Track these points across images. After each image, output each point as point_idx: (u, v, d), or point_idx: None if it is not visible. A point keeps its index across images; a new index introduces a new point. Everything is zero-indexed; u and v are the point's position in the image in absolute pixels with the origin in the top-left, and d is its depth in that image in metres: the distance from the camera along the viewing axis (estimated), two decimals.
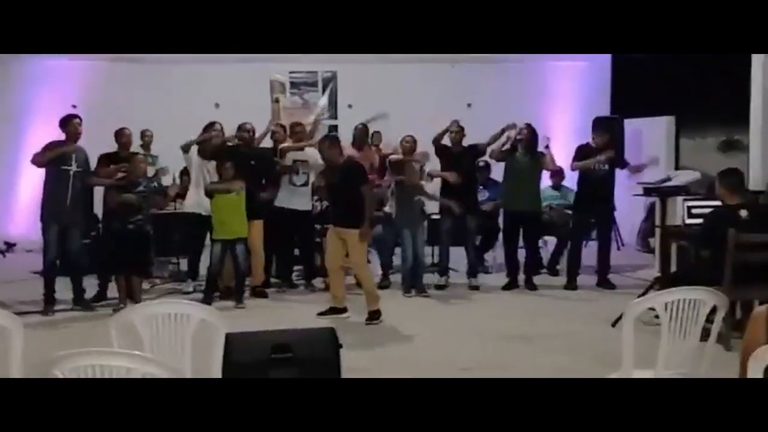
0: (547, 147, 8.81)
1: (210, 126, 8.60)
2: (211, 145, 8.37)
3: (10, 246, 11.74)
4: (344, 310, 7.34)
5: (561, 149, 9.38)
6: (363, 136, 9.32)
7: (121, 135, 8.49)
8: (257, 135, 8.83)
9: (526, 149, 8.73)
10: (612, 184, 8.99)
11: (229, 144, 8.55)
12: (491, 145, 8.78)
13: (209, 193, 8.01)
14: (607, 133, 9.03)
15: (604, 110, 12.38)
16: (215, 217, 7.96)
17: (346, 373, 3.79)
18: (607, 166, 8.80)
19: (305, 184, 8.80)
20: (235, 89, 11.87)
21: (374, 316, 7.14)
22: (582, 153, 8.91)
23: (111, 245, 7.89)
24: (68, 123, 7.72)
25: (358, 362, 5.00)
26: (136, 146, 9.11)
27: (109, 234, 7.99)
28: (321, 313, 7.28)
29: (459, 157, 8.75)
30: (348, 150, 9.05)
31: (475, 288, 8.79)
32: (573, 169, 9.04)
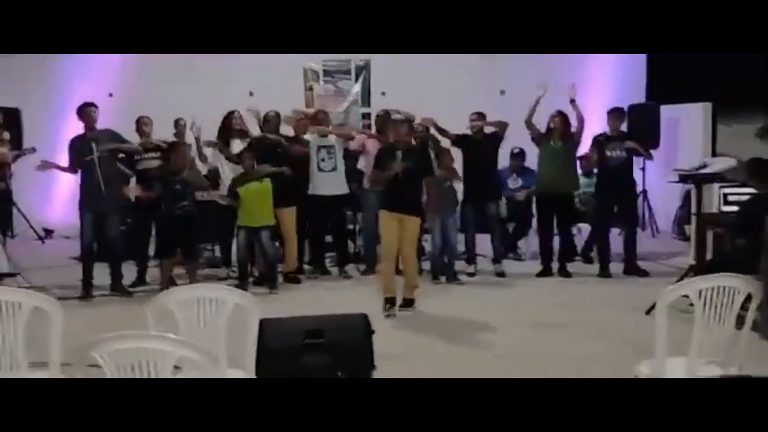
0: (573, 101, 8.73)
1: (229, 116, 8.72)
2: (231, 134, 8.52)
3: (48, 232, 11.95)
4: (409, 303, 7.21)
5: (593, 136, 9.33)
6: (386, 123, 9.30)
7: (140, 123, 8.62)
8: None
9: (558, 135, 8.70)
10: (630, 171, 8.96)
11: (254, 136, 8.66)
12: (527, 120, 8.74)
13: (233, 187, 8.10)
14: (619, 120, 8.95)
15: (640, 97, 12.24)
16: (240, 204, 8.04)
17: (378, 359, 3.83)
18: (624, 154, 8.72)
19: (334, 169, 8.83)
20: (269, 77, 11.90)
21: (410, 303, 7.15)
22: (597, 142, 8.89)
23: (161, 231, 8.04)
24: (84, 111, 7.83)
25: (389, 348, 5.02)
26: (169, 135, 9.20)
27: (157, 221, 8.10)
28: (388, 312, 6.99)
29: (479, 145, 8.72)
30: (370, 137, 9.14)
31: (501, 275, 8.77)
32: (582, 165, 9.05)
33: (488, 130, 8.81)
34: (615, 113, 8.97)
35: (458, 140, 8.81)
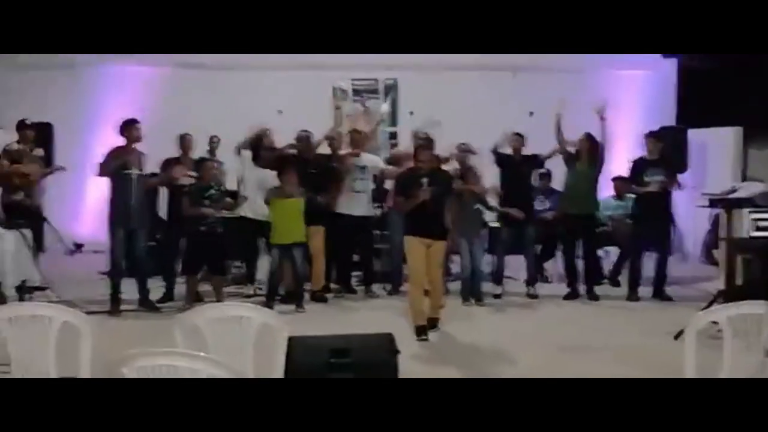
0: (602, 118, 8.69)
1: (262, 132, 8.81)
2: (268, 154, 8.54)
3: (78, 247, 12.06)
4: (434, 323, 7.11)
5: (624, 160, 9.28)
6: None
7: (183, 140, 8.67)
8: (314, 143, 8.94)
9: (586, 157, 8.68)
10: (668, 200, 8.90)
11: (285, 153, 8.69)
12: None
13: (267, 200, 8.14)
14: (660, 142, 8.89)
15: (669, 121, 12.19)
16: (273, 222, 8.07)
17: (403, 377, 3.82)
18: (663, 178, 8.67)
19: (365, 189, 8.86)
20: (298, 96, 12.01)
21: (434, 323, 7.10)
22: (636, 168, 8.84)
23: (188, 247, 8.11)
24: (129, 128, 7.89)
25: (415, 368, 5.02)
26: (203, 152, 9.31)
27: (184, 237, 8.17)
28: (422, 337, 6.85)
29: (518, 166, 8.74)
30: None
31: (534, 297, 8.75)
32: (629, 191, 9.03)
33: (527, 151, 8.83)
34: (652, 137, 8.92)
35: (498, 158, 8.80)
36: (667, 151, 9.03)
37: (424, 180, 6.92)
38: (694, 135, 11.52)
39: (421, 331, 6.80)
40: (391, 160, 9.26)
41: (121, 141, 7.91)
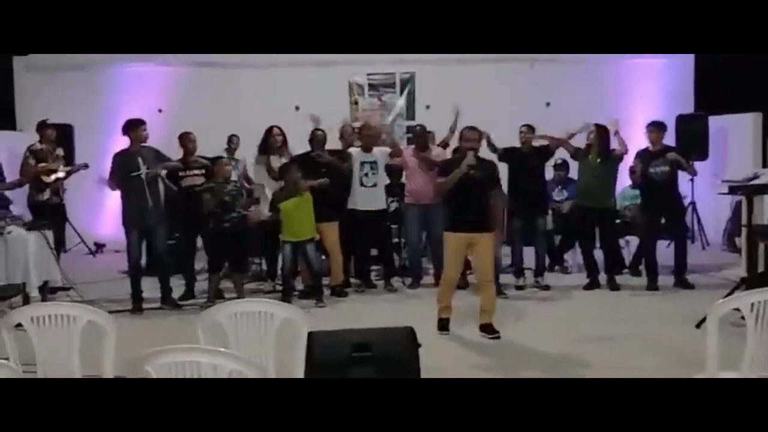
0: (616, 133, 8.66)
1: (269, 131, 8.83)
2: (271, 150, 8.63)
3: (99, 247, 12.18)
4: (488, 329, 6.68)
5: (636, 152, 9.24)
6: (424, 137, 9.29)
7: (185, 140, 8.63)
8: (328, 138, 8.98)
9: (597, 150, 8.66)
10: (675, 185, 8.81)
11: (299, 153, 8.74)
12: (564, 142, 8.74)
13: (274, 203, 8.17)
14: (660, 134, 8.82)
15: (688, 108, 12.12)
16: (283, 219, 8.11)
17: (425, 372, 3.83)
18: (667, 168, 8.61)
19: (375, 184, 8.88)
20: (315, 92, 12.03)
21: (491, 329, 6.65)
22: (640, 157, 8.81)
23: (211, 245, 8.13)
24: (134, 128, 7.87)
25: (436, 362, 5.02)
26: (220, 150, 9.36)
27: (206, 234, 8.22)
28: (444, 332, 6.72)
29: (527, 158, 8.70)
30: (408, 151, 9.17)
31: (545, 288, 8.73)
32: (631, 177, 9.04)
33: (537, 143, 8.80)
34: (654, 127, 8.86)
35: (504, 154, 8.77)
36: (684, 138, 8.96)
37: (470, 153, 6.62)
38: (713, 122, 11.43)
39: (443, 324, 6.75)
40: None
41: (125, 142, 7.94)
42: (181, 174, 8.48)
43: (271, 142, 8.95)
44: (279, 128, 9.03)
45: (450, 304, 6.81)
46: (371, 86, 12.97)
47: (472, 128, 6.89)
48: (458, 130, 8.91)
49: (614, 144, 8.70)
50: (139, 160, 7.81)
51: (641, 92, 12.57)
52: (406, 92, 13.04)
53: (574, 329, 6.88)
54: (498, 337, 6.55)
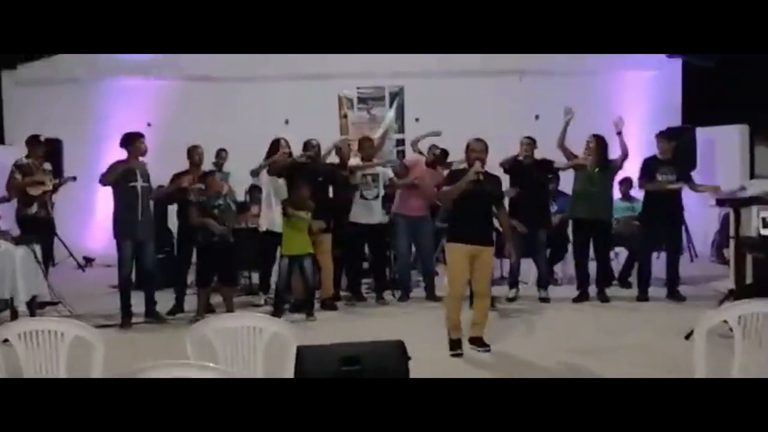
0: (619, 133, 8.62)
1: (276, 143, 8.79)
2: (278, 163, 8.53)
3: (89, 261, 12.13)
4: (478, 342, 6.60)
5: (632, 160, 9.26)
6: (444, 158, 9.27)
7: (193, 153, 8.67)
8: (323, 151, 8.95)
9: (596, 160, 8.67)
10: (679, 196, 8.82)
11: (297, 161, 8.69)
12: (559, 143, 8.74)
13: (286, 213, 8.12)
14: (671, 141, 8.86)
15: (676, 120, 12.18)
16: (285, 233, 8.09)
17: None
18: (674, 178, 8.63)
19: (376, 197, 8.88)
20: (305, 106, 12.06)
21: (482, 342, 6.60)
22: (648, 167, 8.80)
23: (199, 259, 8.12)
24: (132, 141, 7.87)
25: (426, 375, 5.01)
26: (209, 164, 9.34)
27: (195, 248, 8.20)
28: (457, 352, 6.47)
29: (529, 171, 8.71)
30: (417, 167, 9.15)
31: (546, 300, 8.74)
32: (641, 188, 8.97)
33: (539, 156, 8.81)
34: (663, 136, 8.89)
35: (509, 166, 8.76)
36: (677, 151, 8.99)
37: (477, 163, 6.49)
38: (700, 134, 11.50)
39: (456, 345, 6.47)
40: (400, 169, 9.22)
41: (123, 155, 7.93)
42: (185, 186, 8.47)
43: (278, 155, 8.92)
44: (285, 140, 8.99)
45: (459, 322, 6.52)
46: (361, 99, 13.00)
47: (479, 140, 6.76)
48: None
49: (616, 145, 8.69)
50: (137, 172, 7.82)
51: (630, 105, 12.62)
52: (395, 105, 13.08)
53: (564, 341, 6.88)
54: (488, 350, 6.52)
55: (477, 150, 6.64)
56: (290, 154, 8.79)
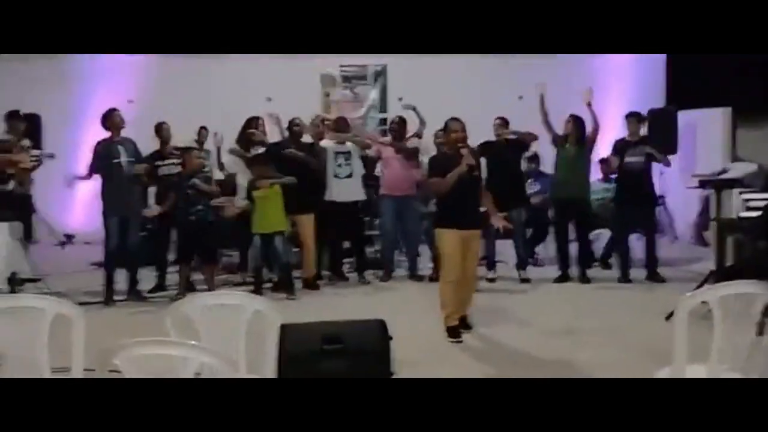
0: (589, 104, 8.69)
1: (250, 121, 8.78)
2: (248, 143, 8.59)
3: (69, 238, 12.04)
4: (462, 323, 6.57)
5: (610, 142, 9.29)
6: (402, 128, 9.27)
7: (160, 129, 8.68)
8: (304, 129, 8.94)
9: (574, 139, 8.70)
10: (649, 177, 8.90)
11: (272, 142, 8.70)
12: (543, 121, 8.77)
13: (248, 192, 8.14)
14: (638, 124, 8.92)
15: (659, 102, 12.19)
16: (252, 211, 8.09)
17: (396, 364, 3.84)
18: (642, 159, 8.68)
19: (350, 175, 8.85)
20: (287, 83, 11.97)
21: (466, 323, 6.65)
22: (617, 147, 8.89)
23: (179, 237, 8.11)
24: (110, 117, 7.91)
25: (407, 354, 5.02)
26: (191, 142, 9.29)
27: (174, 225, 8.17)
28: (457, 339, 6.36)
29: (503, 152, 8.71)
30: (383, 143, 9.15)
31: (526, 281, 8.78)
32: (602, 170, 9.04)
33: (512, 135, 8.81)
34: (633, 117, 8.94)
35: (482, 149, 8.75)
36: (654, 132, 9.03)
37: (464, 151, 6.34)
38: (682, 116, 11.52)
39: (454, 333, 6.37)
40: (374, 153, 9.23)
41: (105, 134, 7.90)
42: (158, 164, 8.47)
43: (251, 133, 8.90)
44: (261, 119, 8.97)
45: (455, 308, 6.44)
46: (344, 78, 12.93)
47: (456, 119, 6.61)
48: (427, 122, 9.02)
49: (587, 121, 8.73)
50: (120, 148, 7.80)
51: (613, 86, 12.64)
52: (378, 84, 13.02)
53: (544, 322, 6.92)
54: (469, 331, 6.54)
55: (457, 130, 6.51)
56: (263, 134, 8.82)
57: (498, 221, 6.73)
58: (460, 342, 6.31)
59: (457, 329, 6.38)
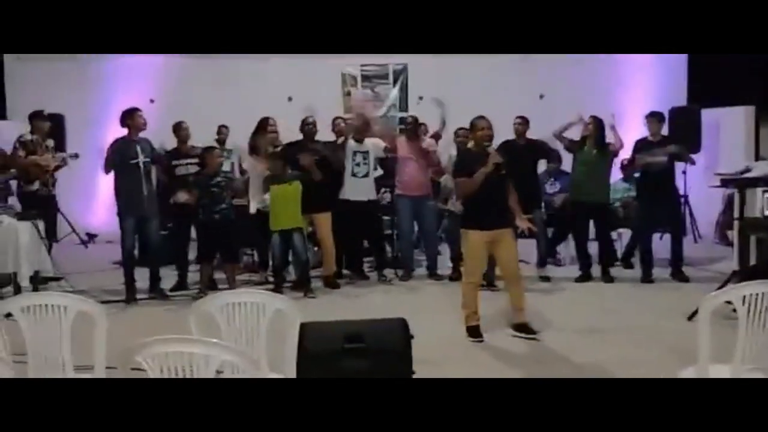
0: (613, 127, 8.65)
1: (264, 121, 8.81)
2: (265, 144, 8.59)
3: (91, 237, 12.14)
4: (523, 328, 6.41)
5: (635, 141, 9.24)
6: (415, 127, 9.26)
7: (178, 129, 8.68)
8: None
9: (593, 142, 8.64)
10: (672, 176, 8.81)
11: (290, 142, 8.73)
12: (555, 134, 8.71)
13: (265, 188, 8.16)
14: (659, 124, 8.84)
15: (681, 101, 12.12)
16: (271, 208, 8.11)
17: (417, 364, 3.82)
18: (665, 159, 8.61)
19: (367, 174, 8.85)
20: (308, 83, 12.00)
21: (526, 328, 6.42)
22: (639, 147, 8.82)
23: (201, 236, 8.11)
24: (131, 116, 7.91)
25: (429, 354, 5.02)
26: (212, 141, 9.32)
27: (194, 224, 8.19)
28: (477, 339, 6.28)
29: (521, 151, 8.65)
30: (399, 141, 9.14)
31: (546, 279, 8.74)
32: (625, 168, 8.94)
33: (531, 135, 8.77)
34: (654, 117, 8.86)
35: (502, 149, 8.71)
36: (677, 131, 8.97)
37: (491, 148, 6.29)
38: (706, 115, 11.44)
39: (474, 332, 6.30)
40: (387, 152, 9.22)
41: (123, 132, 7.93)
42: (174, 163, 8.50)
43: (263, 134, 8.94)
44: (273, 120, 9.02)
45: (477, 309, 6.37)
46: (364, 77, 12.95)
47: (483, 117, 6.52)
48: (448, 122, 9.00)
49: (610, 139, 8.69)
50: (138, 148, 7.83)
51: (635, 85, 12.56)
52: (399, 83, 13.02)
53: (567, 321, 6.88)
54: (534, 337, 6.29)
55: (484, 128, 6.43)
56: (276, 132, 8.84)
57: (523, 223, 6.62)
58: (481, 341, 6.26)
59: (477, 329, 6.32)
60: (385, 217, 9.51)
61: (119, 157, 7.82)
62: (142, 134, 8.02)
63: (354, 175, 8.78)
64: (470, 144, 6.86)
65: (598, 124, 8.63)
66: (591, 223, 8.87)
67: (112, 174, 7.98)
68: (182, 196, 7.91)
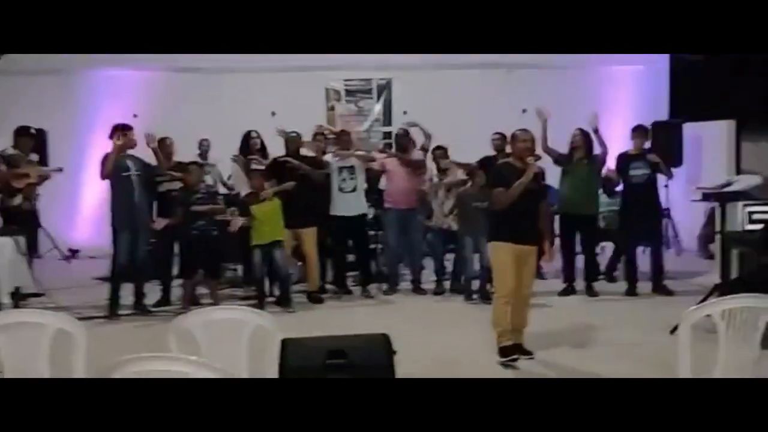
0: (596, 130, 8.62)
1: (247, 135, 8.82)
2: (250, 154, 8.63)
3: (74, 252, 12.06)
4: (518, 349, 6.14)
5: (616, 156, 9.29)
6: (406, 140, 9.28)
7: (162, 145, 8.57)
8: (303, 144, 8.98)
9: (581, 154, 8.66)
10: (655, 189, 8.87)
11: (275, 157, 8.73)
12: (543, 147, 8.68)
13: (246, 206, 8.14)
14: (643, 138, 8.92)
15: (663, 115, 12.17)
16: (252, 224, 8.08)
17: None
18: (648, 171, 8.66)
19: (354, 189, 8.85)
20: (292, 97, 12.01)
21: (521, 348, 6.20)
22: (620, 162, 8.86)
23: (183, 251, 8.11)
24: (123, 133, 7.87)
25: (412, 368, 5.00)
26: (193, 155, 9.30)
27: (176, 240, 8.17)
28: (511, 359, 6.01)
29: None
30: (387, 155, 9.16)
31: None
32: (606, 184, 9.04)
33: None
34: (638, 131, 8.93)
35: (482, 163, 8.73)
36: (659, 145, 9.02)
37: (531, 159, 6.10)
38: (687, 129, 11.51)
39: (508, 352, 6.01)
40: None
41: (110, 146, 7.88)
42: (158, 180, 8.46)
43: (248, 146, 8.94)
44: (256, 132, 9.01)
45: (509, 326, 6.11)
46: (348, 92, 12.98)
47: (525, 130, 6.35)
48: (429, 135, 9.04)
49: (594, 142, 8.70)
50: (129, 163, 7.84)
51: (617, 99, 12.65)
52: (382, 98, 13.05)
53: (550, 334, 6.87)
54: (531, 358, 6.11)
55: (526, 140, 6.24)
56: (262, 145, 8.83)
57: (547, 251, 6.49)
58: (515, 362, 5.96)
59: (511, 349, 6.02)
60: (371, 232, 9.50)
61: (113, 168, 7.79)
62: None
63: (341, 190, 8.77)
64: (510, 158, 6.52)
65: (585, 136, 8.65)
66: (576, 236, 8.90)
67: (98, 188, 7.94)
68: (161, 223, 7.92)
